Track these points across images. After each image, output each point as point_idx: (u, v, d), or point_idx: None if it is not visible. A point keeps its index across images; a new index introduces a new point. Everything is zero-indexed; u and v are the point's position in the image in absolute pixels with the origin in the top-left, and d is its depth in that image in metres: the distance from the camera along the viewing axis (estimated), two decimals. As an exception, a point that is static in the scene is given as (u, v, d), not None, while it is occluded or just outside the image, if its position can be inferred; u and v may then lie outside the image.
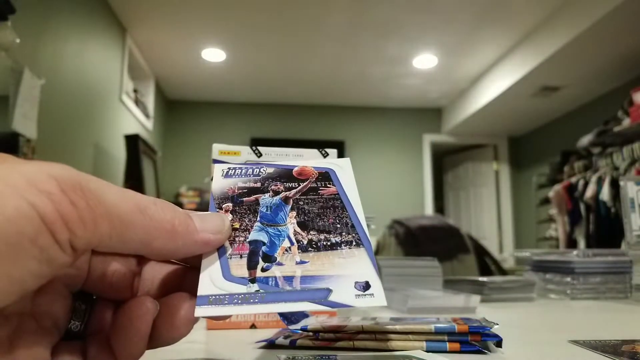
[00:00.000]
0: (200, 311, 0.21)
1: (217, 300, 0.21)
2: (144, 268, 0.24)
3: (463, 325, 0.33)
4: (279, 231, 0.26)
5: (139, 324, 0.20)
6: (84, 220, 0.16)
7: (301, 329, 0.34)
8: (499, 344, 0.33)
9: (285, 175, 0.30)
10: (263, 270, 0.23)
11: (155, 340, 0.22)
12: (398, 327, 0.32)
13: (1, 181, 0.15)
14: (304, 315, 0.36)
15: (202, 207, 4.15)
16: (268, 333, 0.35)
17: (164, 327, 0.21)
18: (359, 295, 0.22)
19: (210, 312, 0.21)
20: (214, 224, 0.23)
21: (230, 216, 0.26)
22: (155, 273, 0.24)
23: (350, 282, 0.23)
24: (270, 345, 0.33)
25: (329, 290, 0.22)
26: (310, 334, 0.33)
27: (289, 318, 0.35)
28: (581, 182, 3.36)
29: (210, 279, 0.22)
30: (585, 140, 3.44)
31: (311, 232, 0.26)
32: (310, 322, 0.35)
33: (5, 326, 0.19)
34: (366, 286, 0.23)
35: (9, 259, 0.15)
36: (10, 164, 0.17)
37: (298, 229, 0.26)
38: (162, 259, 0.24)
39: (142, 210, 0.19)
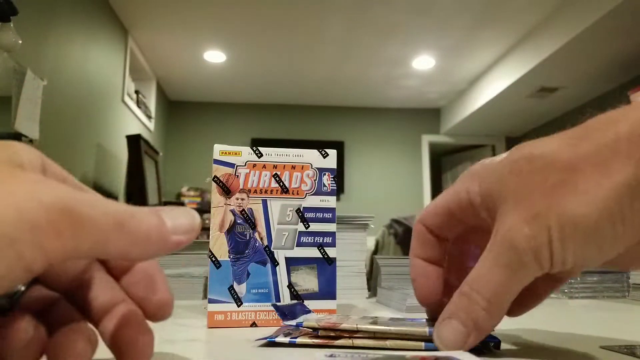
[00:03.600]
0: None
1: None
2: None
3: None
4: None
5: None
6: (66, 248, 0.16)
7: (296, 325, 0.34)
8: (497, 345, 0.33)
9: None
10: None
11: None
12: (393, 329, 0.32)
13: None
14: (302, 310, 0.37)
15: (203, 206, 4.15)
16: (269, 331, 0.35)
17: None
18: None
19: None
20: (184, 222, 0.22)
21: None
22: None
23: None
24: (270, 343, 0.33)
25: None
26: (311, 331, 0.33)
27: (284, 313, 0.36)
28: (581, 183, 3.36)
29: None
30: (585, 141, 3.44)
31: None
32: (308, 318, 0.35)
33: None
34: None
35: None
36: (6, 177, 0.16)
37: None
38: (134, 263, 0.24)
39: (121, 225, 0.19)
